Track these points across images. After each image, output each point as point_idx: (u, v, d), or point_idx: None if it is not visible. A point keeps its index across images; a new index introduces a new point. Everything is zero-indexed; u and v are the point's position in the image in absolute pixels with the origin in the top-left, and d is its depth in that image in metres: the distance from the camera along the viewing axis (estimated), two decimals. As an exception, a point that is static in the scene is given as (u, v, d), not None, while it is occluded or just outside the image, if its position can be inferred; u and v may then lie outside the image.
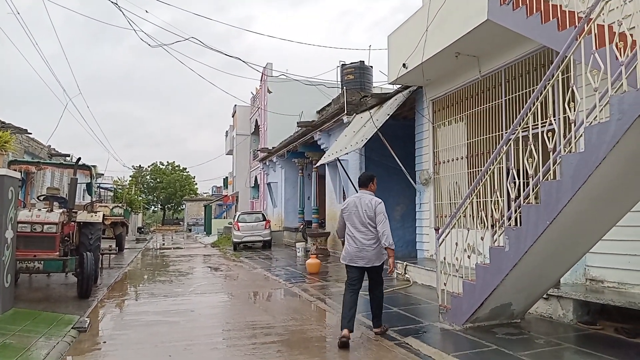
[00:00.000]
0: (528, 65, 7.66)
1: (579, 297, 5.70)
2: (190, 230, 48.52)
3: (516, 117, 7.82)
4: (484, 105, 8.76)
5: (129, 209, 26.38)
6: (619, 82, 3.92)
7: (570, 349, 4.78)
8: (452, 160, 9.70)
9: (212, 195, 57.17)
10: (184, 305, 7.79)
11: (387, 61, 10.50)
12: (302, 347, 5.22)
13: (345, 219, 5.70)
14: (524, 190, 5.16)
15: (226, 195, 40.94)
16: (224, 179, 46.15)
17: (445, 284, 6.14)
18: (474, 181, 8.91)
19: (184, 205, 66.53)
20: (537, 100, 4.88)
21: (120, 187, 36.71)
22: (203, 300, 8.27)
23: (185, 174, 75.40)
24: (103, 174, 36.16)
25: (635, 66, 3.91)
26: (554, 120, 4.55)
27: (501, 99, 8.27)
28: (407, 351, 4.94)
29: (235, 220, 19.59)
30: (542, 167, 4.86)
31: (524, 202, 5.00)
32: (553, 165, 4.69)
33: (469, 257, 5.80)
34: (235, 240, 19.00)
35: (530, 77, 7.57)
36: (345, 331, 5.20)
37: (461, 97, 9.52)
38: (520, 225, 4.81)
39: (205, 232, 37.22)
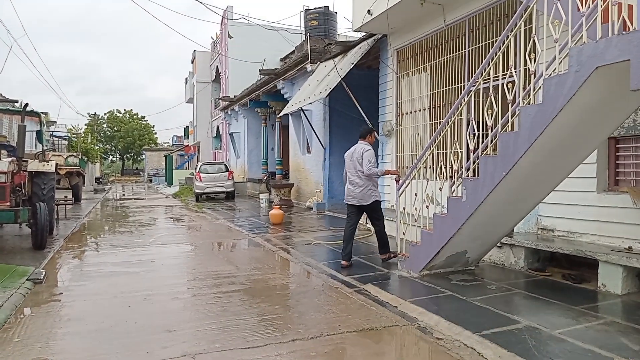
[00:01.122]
0: (492, 15, 7.59)
1: (530, 245, 5.97)
2: (151, 180, 47.55)
3: (479, 69, 7.86)
4: (447, 55, 8.70)
5: (85, 158, 25.51)
6: (579, 34, 3.93)
7: (519, 294, 5.04)
8: (415, 111, 9.72)
9: (173, 145, 55.84)
10: (145, 256, 7.71)
11: (351, 7, 10.20)
12: (264, 295, 5.29)
13: (345, 165, 6.82)
14: (483, 142, 5.25)
15: (187, 146, 40.08)
16: (184, 128, 45.02)
17: (404, 234, 6.29)
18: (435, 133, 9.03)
19: (143, 155, 64.87)
20: (499, 51, 4.87)
21: (74, 135, 35.26)
22: (164, 251, 8.21)
23: (144, 122, 73.10)
24: (55, 122, 34.57)
25: (596, 18, 3.92)
26: (515, 72, 4.56)
27: (464, 49, 8.24)
28: (365, 297, 5.09)
29: (197, 170, 19.29)
30: (502, 119, 4.92)
31: (482, 154, 5.08)
32: (512, 117, 4.75)
33: (427, 207, 5.93)
34: (197, 191, 18.79)
35: (493, 27, 7.53)
36: (344, 262, 6.47)
37: (425, 47, 9.42)
38: (478, 176, 4.91)
39: (166, 183, 36.60)
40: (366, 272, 6.25)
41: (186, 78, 40.59)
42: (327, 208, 13.57)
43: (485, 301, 4.74)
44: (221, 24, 28.88)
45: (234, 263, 7.04)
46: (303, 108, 13.42)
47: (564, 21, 4.06)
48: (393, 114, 10.42)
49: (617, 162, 5.79)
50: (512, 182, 4.66)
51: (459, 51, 8.39)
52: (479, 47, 7.84)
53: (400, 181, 6.33)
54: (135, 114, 73.11)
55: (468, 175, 5.22)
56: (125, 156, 76.32)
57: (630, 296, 4.81)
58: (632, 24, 3.64)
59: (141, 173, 67.60)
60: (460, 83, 8.30)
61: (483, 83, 5.10)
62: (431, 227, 5.75)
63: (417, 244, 5.92)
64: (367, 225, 9.94)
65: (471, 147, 5.12)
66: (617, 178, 5.82)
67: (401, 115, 10.28)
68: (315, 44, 13.68)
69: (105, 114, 73.17)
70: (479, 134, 5.35)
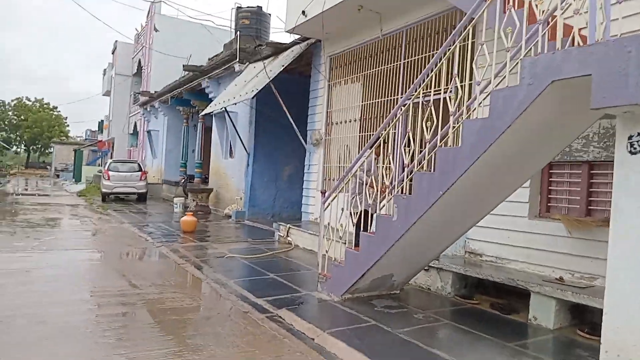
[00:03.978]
0: (430, 29, 7.30)
1: (458, 270, 5.59)
2: (58, 176, 43.65)
3: (413, 82, 7.53)
4: (382, 66, 8.33)
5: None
6: (533, 42, 3.56)
7: (448, 326, 4.58)
8: (345, 122, 9.25)
9: (86, 139, 51.89)
10: (21, 264, 6.47)
11: (285, 7, 9.59)
12: (157, 322, 4.42)
13: None
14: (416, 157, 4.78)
15: (101, 141, 37.21)
16: (99, 122, 41.90)
17: (327, 251, 5.67)
18: (364, 145, 8.59)
19: (52, 148, 59.63)
20: (440, 61, 4.42)
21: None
22: (47, 259, 6.98)
23: (55, 113, 67.47)
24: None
25: (545, 32, 3.59)
26: (460, 84, 4.13)
27: (400, 61, 7.89)
28: (278, 326, 4.39)
29: (106, 168, 17.59)
30: (436, 133, 4.47)
31: (416, 169, 4.61)
32: (452, 130, 4.30)
33: (354, 224, 5.37)
34: (104, 190, 17.10)
35: (431, 40, 7.23)
36: None
37: (360, 55, 9.01)
38: (411, 193, 4.41)
39: (74, 180, 33.63)
40: (282, 292, 5.54)
41: (105, 69, 37.85)
42: (247, 217, 12.73)
43: (412, 334, 4.22)
44: (147, 16, 27.18)
45: (128, 278, 6.03)
46: (228, 109, 12.55)
47: (516, 31, 3.68)
48: (322, 122, 9.90)
49: (549, 187, 5.60)
50: (449, 202, 4.21)
51: (394, 62, 8.03)
52: (415, 59, 7.51)
53: (327, 193, 5.72)
54: (46, 104, 67.30)
55: (401, 192, 4.71)
56: (31, 148, 69.85)
57: (562, 331, 4.52)
58: (582, 42, 3.32)
59: (48, 167, 62.07)
60: (394, 95, 7.93)
61: (422, 96, 4.63)
62: (357, 247, 5.19)
63: (340, 264, 5.33)
64: (288, 238, 9.27)
65: (406, 162, 4.62)
66: (548, 204, 5.62)
67: (331, 124, 9.78)
68: (245, 44, 12.89)
69: (12, 101, 66.69)
70: (413, 149, 4.87)
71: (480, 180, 4.10)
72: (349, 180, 5.45)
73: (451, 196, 4.11)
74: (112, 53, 33.92)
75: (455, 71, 4.09)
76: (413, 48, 7.59)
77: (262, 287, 5.85)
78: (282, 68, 10.06)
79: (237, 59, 12.71)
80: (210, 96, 14.94)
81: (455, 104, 4.11)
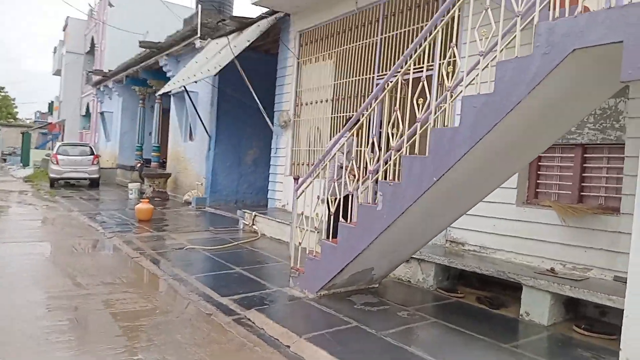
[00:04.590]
0: (410, 1, 6.78)
1: (442, 262, 5.18)
2: (4, 160, 41.00)
3: (391, 59, 7.03)
4: (356, 42, 7.77)
5: None
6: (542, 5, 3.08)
7: (437, 325, 4.13)
8: (316, 102, 8.67)
9: (35, 121, 49.01)
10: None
11: (251, -24, 8.85)
12: (103, 331, 3.78)
13: None
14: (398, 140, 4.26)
15: (51, 123, 35.08)
16: (49, 104, 39.51)
17: (300, 243, 5.12)
18: (338, 127, 8.05)
19: (-2, 131, 56.02)
20: (435, 29, 3.90)
21: None
22: (-21, 253, 6.14)
23: (2, 94, 63.45)
24: None
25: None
26: (457, 53, 3.61)
27: (377, 36, 7.35)
28: (247, 331, 3.83)
29: (55, 151, 16.33)
30: (427, 112, 3.96)
31: (400, 153, 4.11)
32: (449, 105, 3.80)
33: (330, 213, 4.84)
34: (52, 175, 15.87)
35: (411, 13, 6.72)
36: None
37: (332, 31, 8.41)
38: (399, 179, 3.91)
39: (21, 164, 31.58)
40: (249, 289, 4.97)
41: (55, 47, 35.52)
42: (208, 204, 12.00)
43: (398, 337, 3.75)
44: (101, -10, 25.47)
45: (73, 275, 5.30)
46: (188, 89, 11.71)
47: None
48: (291, 103, 9.28)
49: (538, 172, 5.24)
50: (441, 190, 3.73)
51: (370, 38, 7.49)
52: (393, 35, 6.99)
53: (300, 179, 5.15)
54: (-9, 83, 63.18)
55: (385, 179, 4.20)
56: (-25, 130, 65.60)
57: (557, 327, 4.16)
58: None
59: (-6, 151, 58.43)
60: (370, 74, 7.40)
61: (413, 72, 4.11)
62: (335, 239, 4.67)
63: (315, 258, 4.80)
64: (254, 226, 8.67)
65: (393, 144, 4.10)
66: (537, 190, 5.27)
67: (300, 105, 9.17)
68: (207, 18, 12.02)
69: (-48, 80, 62.20)
70: (401, 131, 4.36)
71: (478, 166, 3.64)
72: (325, 164, 4.89)
73: (444, 183, 3.64)
74: (64, 30, 31.77)
75: (454, 41, 3.57)
76: (391, 22, 7.07)
77: (227, 283, 5.26)
78: (248, 44, 9.33)
79: (198, 35, 11.84)
80: (168, 75, 13.99)
81: (453, 78, 3.60)
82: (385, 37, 7.19)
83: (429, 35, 3.93)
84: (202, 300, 4.56)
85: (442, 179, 3.56)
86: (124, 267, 5.90)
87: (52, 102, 37.14)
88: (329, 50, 8.41)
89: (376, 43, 7.34)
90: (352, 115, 7.65)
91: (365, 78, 7.48)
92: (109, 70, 19.68)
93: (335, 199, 4.72)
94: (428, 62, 5.72)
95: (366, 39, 7.55)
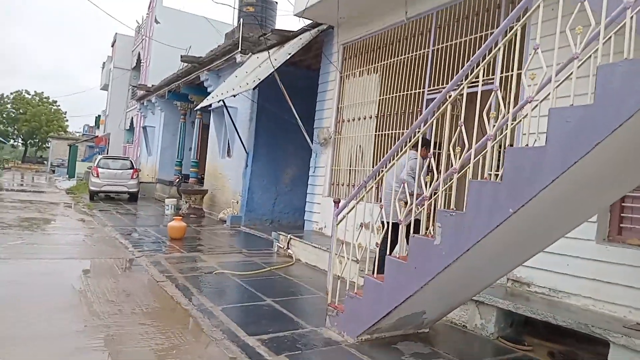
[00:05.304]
0: (467, 9, 6.15)
1: (506, 307, 4.41)
2: (53, 171, 42.49)
3: (445, 72, 6.37)
4: (405, 55, 7.17)
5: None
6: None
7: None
8: (359, 119, 8.08)
9: (83, 134, 50.70)
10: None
11: (295, -13, 8.45)
12: (111, 372, 3.24)
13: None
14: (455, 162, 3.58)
15: (98, 136, 36.05)
16: (96, 117, 40.73)
17: (339, 276, 4.48)
18: (383, 145, 7.41)
19: (49, 143, 58.40)
20: (504, 36, 3.25)
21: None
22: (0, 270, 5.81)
23: (54, 107, 66.38)
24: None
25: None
26: (544, 63, 2.93)
27: (428, 48, 6.73)
28: (277, 386, 3.20)
29: (95, 164, 16.40)
30: (495, 127, 3.27)
31: (470, 176, 3.43)
32: (527, 120, 3.11)
33: (377, 244, 4.19)
34: (92, 188, 15.89)
35: (468, 22, 6.07)
36: None
37: (379, 43, 7.85)
38: (465, 209, 3.23)
39: (67, 176, 32.45)
40: (281, 327, 4.36)
41: (104, 63, 36.75)
42: (243, 223, 11.55)
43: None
44: (149, 7, 26.09)
45: (90, 301, 4.83)
46: (227, 104, 11.39)
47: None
48: (332, 119, 8.73)
49: (622, 203, 4.43)
50: (516, 224, 3.03)
51: (420, 50, 6.87)
52: (446, 46, 6.36)
53: (342, 203, 4.54)
54: (45, 98, 66.21)
55: (445, 208, 3.52)
56: (29, 142, 68.71)
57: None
58: None
59: (45, 162, 60.89)
60: (419, 88, 6.76)
61: (468, 87, 3.46)
62: (380, 274, 4.02)
63: (357, 296, 4.14)
64: (288, 250, 8.09)
65: (455, 166, 3.42)
66: (620, 225, 4.45)
67: (341, 122, 8.61)
68: (248, 32, 11.74)
69: (11, 94, 65.60)
70: (458, 153, 3.69)
71: (562, 197, 2.93)
72: (371, 187, 4.26)
73: (521, 216, 2.94)
74: (112, 46, 32.80)
75: (537, 40, 2.90)
76: (445, 33, 6.43)
77: (256, 318, 4.67)
78: (289, 56, 8.91)
79: (239, 49, 11.56)
80: (209, 90, 13.78)
81: (537, 87, 2.91)
82: (437, 49, 6.56)
83: (498, 43, 3.28)
84: (226, 340, 3.98)
85: (522, 210, 2.86)
86: (147, 293, 5.41)
87: (99, 115, 38.24)
88: (375, 63, 7.84)
89: (427, 55, 6.71)
90: (400, 133, 7.06)
91: (414, 93, 6.84)
92: (152, 85, 19.85)
93: (384, 225, 4.06)
94: (488, 75, 5.05)
95: (416, 51, 6.93)
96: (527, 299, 4.64)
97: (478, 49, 3.43)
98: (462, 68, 3.39)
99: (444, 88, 6.21)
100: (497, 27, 5.64)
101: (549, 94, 2.97)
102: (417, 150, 5.08)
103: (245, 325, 4.36)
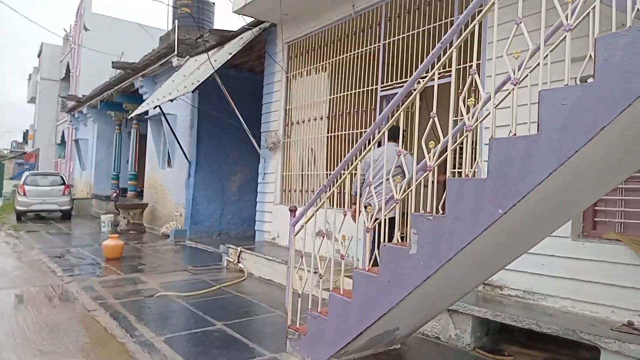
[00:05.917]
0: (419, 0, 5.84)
1: (483, 315, 4.05)
2: (-22, 192, 39.23)
3: (399, 66, 6.02)
4: (355, 50, 6.78)
5: None
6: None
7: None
8: (309, 120, 7.61)
9: (11, 151, 47.26)
10: None
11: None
12: None
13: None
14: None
15: (28, 153, 33.59)
16: (24, 132, 38.02)
17: (300, 293, 3.95)
18: (336, 147, 6.98)
19: (-28, 162, 53.92)
20: (468, 24, 2.87)
21: None
22: None
23: (-23, 124, 61.58)
24: None
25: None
26: (530, 41, 2.56)
27: (379, 42, 6.38)
28: None
29: (22, 182, 14.99)
30: (474, 116, 2.88)
31: (448, 174, 3.02)
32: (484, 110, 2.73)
33: (342, 257, 3.71)
34: (18, 208, 14.49)
35: (420, 13, 5.76)
36: None
37: (326, 39, 7.43)
38: (444, 212, 2.81)
39: (-6, 196, 29.91)
40: (235, 357, 3.79)
41: (30, 74, 34.34)
42: (188, 237, 10.75)
43: None
44: (77, 15, 24.52)
45: (2, 342, 4.04)
46: (164, 110, 10.59)
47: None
48: (280, 122, 8.21)
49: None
50: (506, 226, 2.64)
51: (371, 45, 6.50)
52: (399, 39, 6.02)
53: (299, 211, 4.03)
54: (-34, 113, 61.34)
55: (426, 211, 3.08)
56: (-52, 161, 63.33)
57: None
58: None
59: (-32, 183, 56.19)
60: (373, 85, 6.38)
61: (437, 76, 3.07)
62: (347, 290, 3.53)
63: (321, 316, 3.64)
64: (239, 264, 7.47)
65: (430, 163, 2.99)
66: (595, 219, 4.23)
67: (290, 124, 8.10)
68: (184, 35, 11.01)
69: None
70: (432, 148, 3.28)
71: (562, 189, 2.57)
72: (333, 191, 3.77)
73: (510, 217, 2.55)
74: (38, 56, 30.65)
75: (520, 13, 2.53)
76: (396, 25, 6.09)
77: (206, 347, 4.05)
78: (230, 56, 8.32)
79: (175, 52, 10.81)
80: (144, 97, 12.85)
81: (519, 71, 2.53)
82: (388, 43, 6.22)
83: (462, 31, 2.90)
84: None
85: (512, 211, 2.47)
86: (75, 326, 4.64)
87: (27, 130, 35.65)
88: (323, 61, 7.41)
89: (378, 50, 6.36)
90: (353, 133, 6.65)
91: (367, 90, 6.46)
92: (83, 95, 18.51)
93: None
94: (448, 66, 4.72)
95: (366, 46, 6.57)
96: (501, 303, 4.33)
97: (432, 41, 3.04)
98: (416, 62, 3.01)
99: (398, 84, 5.89)
100: (450, 17, 5.39)
101: (527, 76, 2.63)
102: (397, 144, 4.55)
103: (193, 358, 3.75)
